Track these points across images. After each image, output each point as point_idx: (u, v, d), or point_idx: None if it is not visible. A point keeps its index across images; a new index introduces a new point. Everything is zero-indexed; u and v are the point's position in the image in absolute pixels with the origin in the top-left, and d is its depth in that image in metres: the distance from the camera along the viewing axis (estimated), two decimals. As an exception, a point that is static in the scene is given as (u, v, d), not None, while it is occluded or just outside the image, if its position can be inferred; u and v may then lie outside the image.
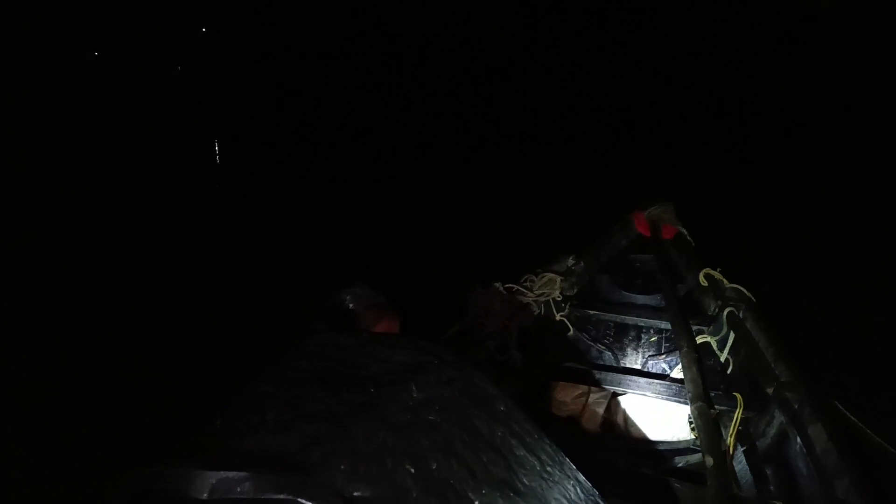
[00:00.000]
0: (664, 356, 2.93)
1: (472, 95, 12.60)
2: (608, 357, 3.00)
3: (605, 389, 2.66)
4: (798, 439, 2.00)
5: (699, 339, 2.70)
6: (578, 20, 16.45)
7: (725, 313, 2.68)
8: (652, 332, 3.05)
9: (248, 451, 0.73)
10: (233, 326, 3.91)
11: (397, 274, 4.18)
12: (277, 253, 5.34)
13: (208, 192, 7.49)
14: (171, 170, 8.43)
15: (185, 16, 18.99)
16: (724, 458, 1.93)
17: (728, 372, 2.64)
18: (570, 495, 0.99)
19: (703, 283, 2.96)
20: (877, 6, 13.81)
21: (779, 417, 2.16)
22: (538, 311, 2.90)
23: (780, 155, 8.05)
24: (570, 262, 3.12)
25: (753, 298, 2.76)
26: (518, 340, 2.72)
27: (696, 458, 2.25)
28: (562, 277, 3.00)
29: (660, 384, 2.58)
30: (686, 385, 2.27)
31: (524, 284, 2.92)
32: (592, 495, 1.06)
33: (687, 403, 2.28)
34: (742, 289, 2.80)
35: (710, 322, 2.84)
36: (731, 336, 2.65)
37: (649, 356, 2.97)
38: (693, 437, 2.38)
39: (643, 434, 2.57)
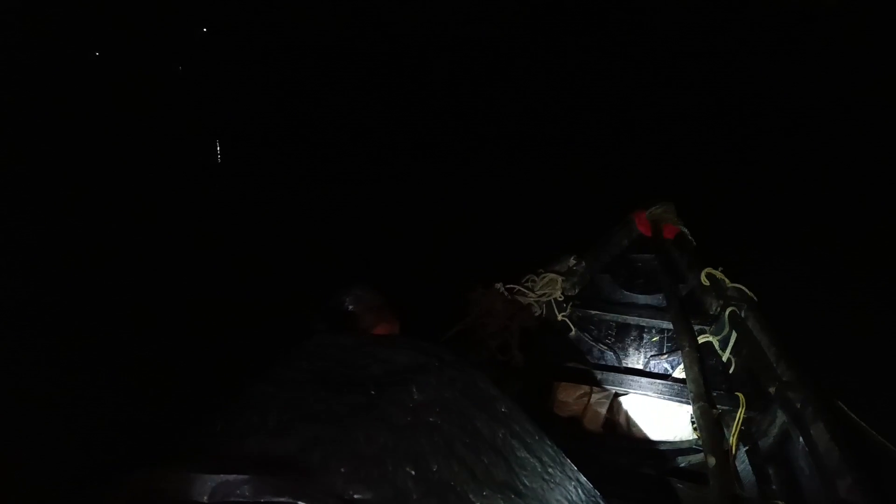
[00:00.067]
0: (666, 356, 2.92)
1: (472, 95, 12.60)
2: (610, 357, 2.99)
3: (606, 389, 2.66)
4: (800, 439, 2.00)
5: (701, 339, 2.69)
6: (578, 20, 16.45)
7: (727, 313, 2.68)
8: (654, 331, 3.04)
9: (247, 454, 0.72)
10: (233, 327, 3.91)
11: (398, 274, 4.18)
12: (278, 253, 5.33)
13: (208, 192, 7.48)
14: (172, 170, 8.43)
15: (185, 16, 19.00)
16: (726, 457, 1.92)
17: (730, 372, 2.64)
18: (571, 496, 0.99)
19: (705, 282, 2.95)
20: (877, 6, 13.80)
21: (781, 417, 2.16)
22: (539, 311, 2.89)
23: (780, 155, 8.04)
24: (572, 262, 3.11)
25: (755, 298, 2.76)
26: (519, 341, 2.71)
27: (698, 458, 2.25)
28: (563, 277, 2.99)
29: (662, 384, 2.57)
30: (688, 385, 2.26)
31: (525, 285, 2.91)
32: (594, 496, 1.06)
33: (689, 403, 2.28)
34: (744, 288, 2.79)
35: (712, 322, 2.83)
36: (733, 336, 2.64)
37: (651, 356, 2.96)
38: (695, 436, 2.38)
39: (645, 434, 2.56)
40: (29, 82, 13.82)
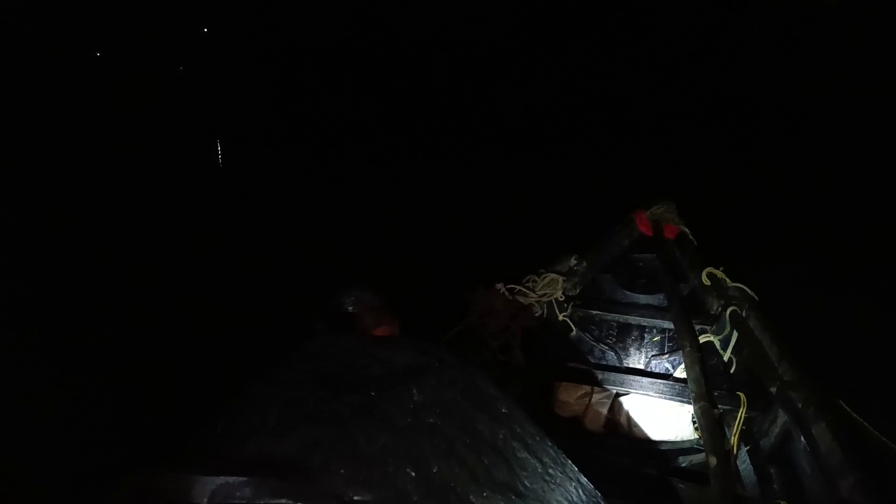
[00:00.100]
0: (667, 356, 2.92)
1: (472, 95, 12.60)
2: (611, 357, 2.99)
3: (608, 389, 2.66)
4: (802, 438, 1.99)
5: (702, 339, 2.68)
6: (578, 20, 16.43)
7: (728, 312, 2.67)
8: (655, 331, 3.04)
9: (248, 455, 0.72)
10: (233, 327, 3.91)
11: (398, 274, 4.17)
12: (278, 253, 5.33)
13: (209, 192, 7.48)
14: (172, 170, 8.42)
15: (185, 16, 19.01)
16: (727, 457, 1.91)
17: (731, 371, 2.63)
18: (571, 497, 0.98)
19: (706, 282, 2.95)
20: (877, 6, 13.79)
21: (782, 417, 2.15)
22: (541, 311, 2.88)
23: (780, 155, 8.04)
24: (573, 262, 3.11)
25: (756, 297, 2.75)
26: (520, 341, 2.71)
27: (699, 457, 2.24)
28: (564, 277, 2.98)
29: (663, 384, 2.57)
30: (689, 385, 2.26)
31: (526, 285, 2.91)
32: (594, 497, 1.06)
33: (690, 403, 2.27)
34: (745, 288, 2.79)
35: (713, 321, 2.83)
36: (734, 335, 2.64)
37: (652, 356, 2.96)
38: (696, 436, 2.37)
39: (646, 434, 2.56)
40: (29, 82, 13.82)
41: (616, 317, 3.08)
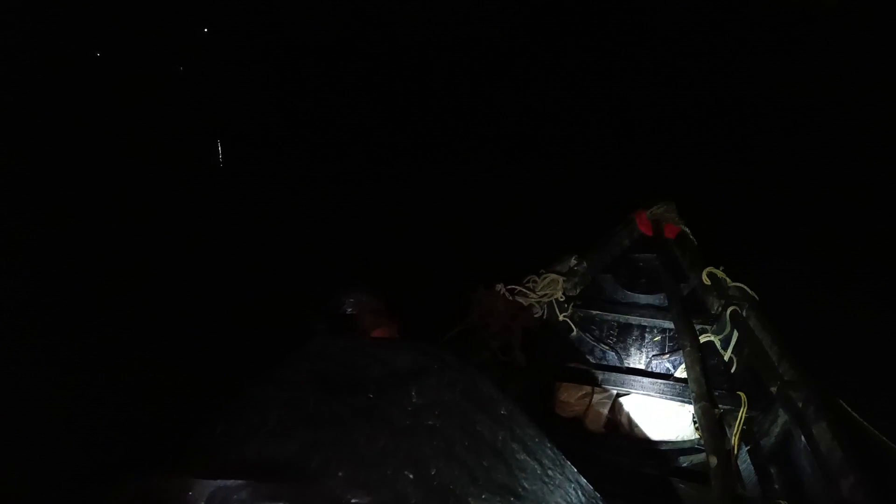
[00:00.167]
0: (668, 356, 2.92)
1: (472, 95, 12.59)
2: (612, 357, 2.99)
3: (608, 390, 2.65)
4: (802, 438, 1.99)
5: (702, 339, 2.69)
6: (578, 20, 16.43)
7: (729, 312, 2.67)
8: (655, 331, 3.04)
9: (247, 457, 0.72)
10: (233, 327, 3.91)
11: (398, 275, 4.17)
12: (278, 253, 5.33)
13: (209, 192, 7.48)
14: (172, 170, 8.42)
15: (185, 16, 19.00)
16: (728, 457, 1.92)
17: (732, 371, 2.63)
18: (570, 499, 0.98)
19: (707, 281, 2.95)
20: (877, 6, 13.78)
21: (783, 416, 2.15)
22: (541, 311, 2.88)
23: (780, 155, 8.04)
24: (573, 262, 3.11)
25: (756, 297, 2.75)
26: (521, 341, 2.70)
27: (699, 457, 2.24)
28: (564, 278, 2.98)
29: (663, 384, 2.57)
30: (689, 384, 2.26)
31: (527, 285, 2.91)
32: (594, 498, 1.05)
33: (690, 403, 2.27)
34: (745, 287, 2.79)
35: (714, 321, 2.83)
36: (735, 335, 2.64)
37: (653, 356, 2.96)
38: (697, 436, 2.37)
39: (647, 434, 2.56)
40: (29, 82, 13.82)
41: (616, 317, 3.08)
